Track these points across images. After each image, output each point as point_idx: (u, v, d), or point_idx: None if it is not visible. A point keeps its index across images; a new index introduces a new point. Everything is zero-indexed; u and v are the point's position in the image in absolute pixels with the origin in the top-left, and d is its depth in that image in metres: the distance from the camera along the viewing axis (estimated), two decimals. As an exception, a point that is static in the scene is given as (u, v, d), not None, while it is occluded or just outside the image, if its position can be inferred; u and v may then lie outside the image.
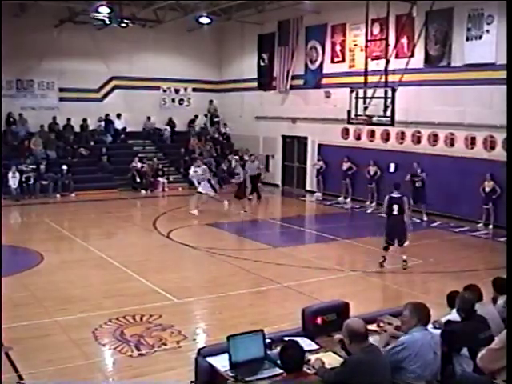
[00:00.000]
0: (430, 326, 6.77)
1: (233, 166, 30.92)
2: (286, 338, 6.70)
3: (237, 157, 31.43)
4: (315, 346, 7.03)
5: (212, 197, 23.20)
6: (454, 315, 7.19)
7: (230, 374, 6.37)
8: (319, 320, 7.45)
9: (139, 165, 29.45)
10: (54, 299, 12.38)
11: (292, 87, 29.42)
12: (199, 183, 23.07)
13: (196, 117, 34.56)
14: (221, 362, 6.58)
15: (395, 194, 15.04)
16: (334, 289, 13.39)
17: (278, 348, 6.81)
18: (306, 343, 6.82)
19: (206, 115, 34.83)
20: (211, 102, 35.00)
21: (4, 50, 27.82)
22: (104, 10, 26.38)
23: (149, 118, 33.19)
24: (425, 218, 21.62)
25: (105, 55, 31.22)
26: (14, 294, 12.71)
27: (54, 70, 30.39)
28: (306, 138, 29.01)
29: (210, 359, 6.71)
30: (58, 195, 27.03)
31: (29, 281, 13.91)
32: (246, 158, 30.88)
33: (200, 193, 22.76)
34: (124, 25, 28.60)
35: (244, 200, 23.54)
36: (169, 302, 12.19)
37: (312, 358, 6.44)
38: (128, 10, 28.29)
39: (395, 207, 14.88)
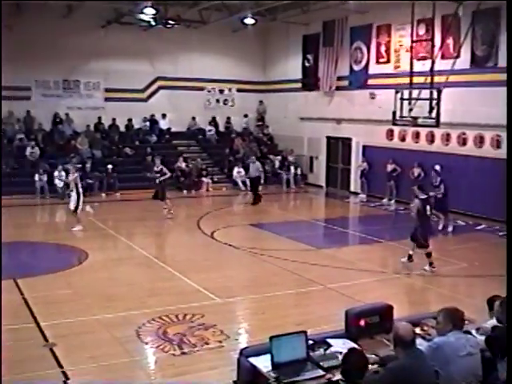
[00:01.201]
0: (473, 332, 6.69)
1: (276, 166, 30.96)
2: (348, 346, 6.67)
3: (279, 157, 31.45)
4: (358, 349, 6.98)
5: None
6: (494, 320, 7.09)
7: (272, 375, 6.35)
8: (362, 322, 7.39)
9: (183, 165, 29.59)
10: (97, 297, 12.51)
11: (337, 88, 29.27)
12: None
13: (246, 116, 34.62)
14: (263, 363, 6.56)
15: (423, 196, 15.04)
16: (377, 291, 13.28)
17: (321, 349, 6.81)
18: (348, 345, 6.77)
19: (245, 115, 34.78)
20: (261, 102, 35.04)
21: (51, 50, 28.28)
22: (149, 11, 26.62)
23: (193, 119, 33.33)
24: (449, 229, 20.85)
25: (150, 56, 31.44)
26: (59, 291, 12.88)
27: (100, 71, 30.72)
28: (350, 139, 28.83)
29: (252, 359, 6.70)
30: (103, 194, 27.32)
31: (74, 278, 14.08)
32: (290, 158, 30.92)
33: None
34: (169, 26, 28.85)
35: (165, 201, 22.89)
36: (211, 302, 12.21)
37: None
38: (173, 11, 28.48)
39: (428, 208, 14.98)
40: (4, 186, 26.33)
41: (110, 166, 28.00)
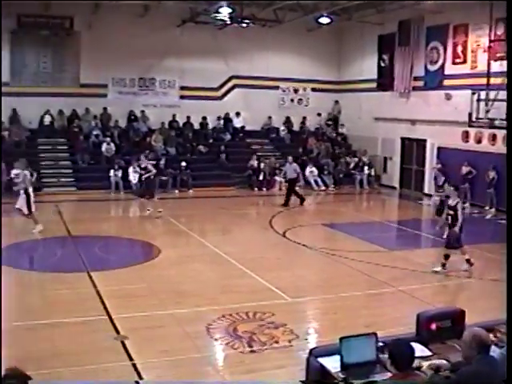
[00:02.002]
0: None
1: (351, 167, 30.76)
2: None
3: (356, 158, 31.25)
4: (428, 353, 6.84)
5: None
6: None
7: (341, 376, 6.31)
8: (434, 326, 7.27)
9: (256, 163, 29.69)
10: (169, 292, 12.65)
11: (412, 88, 28.93)
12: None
13: (319, 115, 34.56)
14: (332, 363, 6.52)
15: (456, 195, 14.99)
16: (449, 295, 13.09)
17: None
18: (418, 349, 6.67)
19: (318, 114, 34.66)
20: (336, 102, 34.87)
21: (128, 49, 28.77)
22: (225, 11, 26.84)
23: (269, 118, 33.42)
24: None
25: (225, 54, 31.63)
26: (131, 285, 13.07)
27: (176, 69, 31.09)
28: (425, 141, 28.42)
29: (322, 359, 6.66)
30: (176, 191, 27.63)
31: (146, 273, 14.26)
32: (364, 159, 30.69)
33: None
34: (244, 25, 29.00)
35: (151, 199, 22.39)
36: (282, 301, 12.20)
37: (425, 364, 6.30)
38: (248, 11, 28.60)
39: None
40: (80, 180, 27.00)
41: (183, 164, 28.30)
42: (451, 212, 14.78)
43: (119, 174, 27.19)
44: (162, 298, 12.22)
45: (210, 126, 32.56)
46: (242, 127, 32.93)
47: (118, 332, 10.15)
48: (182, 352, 9.37)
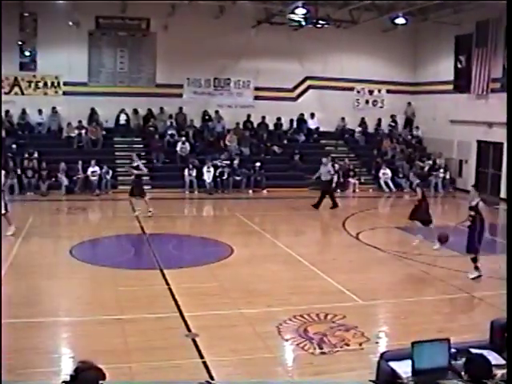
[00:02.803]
0: None
1: (426, 169, 30.33)
2: (473, 351, 6.46)
3: (430, 161, 30.81)
4: (502, 361, 6.67)
5: None
6: None
7: (412, 381, 6.24)
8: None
9: (330, 164, 29.55)
10: (241, 291, 12.71)
11: (490, 90, 28.36)
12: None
13: (393, 117, 34.19)
14: (403, 368, 6.45)
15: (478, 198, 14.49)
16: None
17: (463, 359, 6.59)
18: (492, 356, 6.52)
19: (392, 116, 34.29)
20: (409, 104, 34.46)
21: (203, 50, 29.06)
22: (300, 12, 26.85)
23: (343, 119, 33.25)
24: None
25: (300, 55, 31.58)
26: (204, 283, 13.19)
27: (250, 70, 31.23)
28: (501, 144, 27.81)
29: (393, 364, 6.61)
30: (250, 191, 27.75)
31: (219, 272, 14.35)
32: (439, 162, 30.24)
33: None
34: (319, 25, 28.90)
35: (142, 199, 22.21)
36: (353, 303, 12.12)
37: (499, 373, 6.16)
38: (323, 11, 28.51)
39: None
40: (155, 179, 27.35)
41: (257, 164, 28.41)
42: (472, 213, 14.36)
43: (193, 173, 27.49)
44: (234, 297, 12.29)
45: (285, 127, 32.59)
46: (317, 128, 32.85)
47: (189, 330, 10.25)
48: (252, 351, 9.41)
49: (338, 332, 10.32)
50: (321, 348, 9.68)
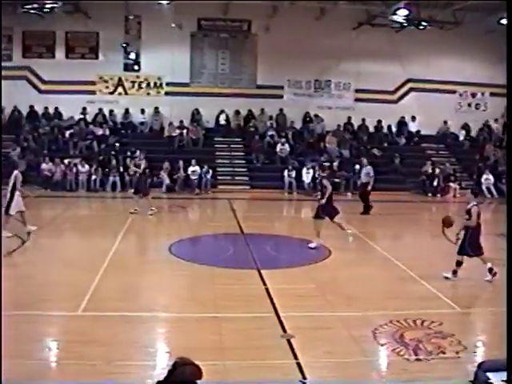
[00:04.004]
0: None
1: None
2: None
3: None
4: None
5: None
6: None
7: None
8: None
9: (431, 168, 29.13)
10: (338, 294, 12.63)
11: None
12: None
13: (496, 121, 33.37)
14: (500, 378, 6.30)
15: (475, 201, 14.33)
16: None
17: None
18: None
19: (496, 120, 33.43)
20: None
21: (304, 51, 29.09)
22: (402, 13, 26.50)
23: (445, 122, 32.66)
24: None
25: (401, 57, 31.21)
26: (300, 285, 13.18)
27: (351, 72, 31.09)
28: None
29: (491, 374, 6.44)
30: (349, 193, 27.71)
31: (316, 274, 14.33)
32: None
33: None
34: (421, 27, 28.46)
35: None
36: (451, 310, 11.87)
37: None
38: (426, 12, 28.05)
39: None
40: (254, 179, 27.57)
41: (357, 167, 28.20)
42: (467, 216, 14.21)
43: (293, 174, 27.58)
44: (330, 299, 12.24)
45: (385, 130, 32.28)
46: (417, 131, 32.40)
47: (284, 330, 10.26)
48: (346, 355, 9.34)
49: (435, 339, 10.12)
50: (416, 355, 9.51)
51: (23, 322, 10.39)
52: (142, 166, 22.46)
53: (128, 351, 9.36)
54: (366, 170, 23.97)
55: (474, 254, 14.23)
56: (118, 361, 8.86)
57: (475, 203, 14.35)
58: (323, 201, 17.04)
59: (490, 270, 14.13)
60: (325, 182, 17.44)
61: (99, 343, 9.51)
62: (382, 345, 9.89)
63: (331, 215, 17.34)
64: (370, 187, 23.71)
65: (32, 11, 27.11)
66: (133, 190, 23.03)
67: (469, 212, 14.25)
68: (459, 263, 14.20)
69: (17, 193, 17.53)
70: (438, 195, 28.41)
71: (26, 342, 9.56)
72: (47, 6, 26.50)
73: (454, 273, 14.14)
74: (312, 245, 16.93)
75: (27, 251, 16.24)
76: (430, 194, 28.45)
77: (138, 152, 23.87)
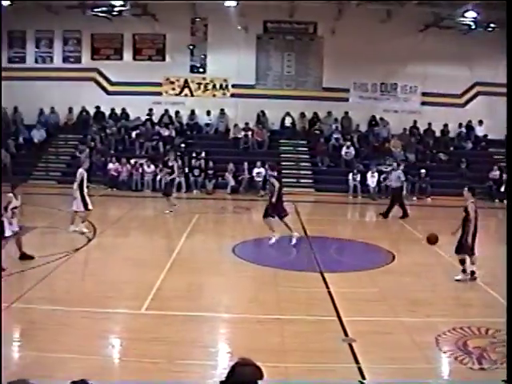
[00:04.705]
0: None
1: None
2: None
3: None
4: None
5: None
6: None
7: None
8: None
9: (498, 174, 28.64)
10: (401, 299, 12.54)
11: None
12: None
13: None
14: None
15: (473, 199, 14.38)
16: None
17: None
18: None
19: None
20: None
21: (370, 54, 28.94)
22: (470, 15, 26.18)
23: (512, 126, 32.10)
24: None
25: (469, 60, 30.74)
26: (363, 289, 13.13)
27: (418, 75, 30.78)
28: None
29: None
30: (414, 198, 27.30)
31: (379, 278, 14.25)
32: None
33: None
34: (490, 29, 28.00)
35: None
36: (519, 319, 11.68)
37: None
38: (494, 14, 27.56)
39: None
40: (319, 182, 27.55)
41: (423, 171, 27.96)
42: (464, 213, 14.27)
43: (358, 177, 27.45)
44: (393, 304, 12.14)
45: (451, 134, 31.85)
46: (485, 136, 31.86)
47: (346, 334, 10.23)
48: (408, 361, 9.25)
49: (500, 348, 9.93)
50: (480, 363, 9.37)
51: (87, 319, 10.61)
52: (175, 169, 23.15)
53: (190, 350, 9.47)
54: (397, 173, 23.54)
55: (470, 254, 14.26)
56: (179, 359, 8.97)
57: (472, 200, 14.49)
58: (274, 199, 17.19)
59: (473, 272, 14.16)
60: (272, 180, 17.73)
61: (162, 342, 9.64)
62: (445, 352, 9.77)
63: (281, 214, 17.40)
64: (404, 191, 23.57)
65: (101, 14, 27.61)
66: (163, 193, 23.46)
67: (466, 209, 14.33)
68: (463, 262, 14.26)
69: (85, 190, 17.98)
70: (505, 201, 27.88)
71: (89, 339, 9.75)
72: (116, 9, 26.95)
73: (464, 271, 14.18)
74: (271, 241, 17.23)
75: (92, 249, 16.54)
76: (497, 200, 27.94)
77: (170, 154, 24.31)
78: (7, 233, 13.98)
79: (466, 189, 15.21)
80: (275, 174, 18.42)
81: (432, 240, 15.18)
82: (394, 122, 31.23)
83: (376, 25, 29.05)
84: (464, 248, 14.21)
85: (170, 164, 23.22)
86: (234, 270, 14.75)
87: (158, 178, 27.43)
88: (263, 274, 14.30)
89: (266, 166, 19.32)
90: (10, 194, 14.06)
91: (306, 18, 30.60)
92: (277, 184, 17.29)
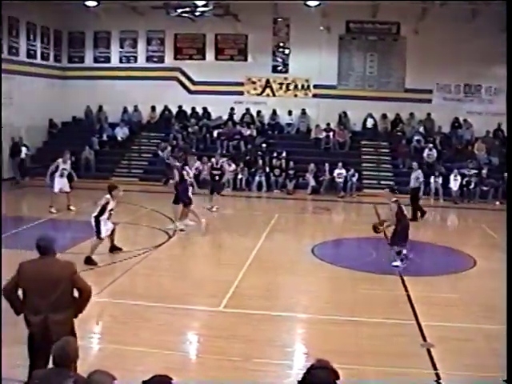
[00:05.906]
0: None
1: None
2: None
3: None
4: None
5: None
6: None
7: None
8: None
9: None
10: (481, 305, 12.29)
11: None
12: None
13: None
14: None
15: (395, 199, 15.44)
16: None
17: None
18: None
19: None
20: None
21: (453, 55, 28.48)
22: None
23: None
24: None
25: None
26: (443, 293, 12.98)
27: (503, 76, 30.01)
28: None
29: None
30: (497, 202, 26.67)
31: (459, 283, 14.09)
32: None
33: None
34: None
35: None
36: None
37: None
38: None
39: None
40: (400, 184, 27.16)
41: (505, 174, 27.33)
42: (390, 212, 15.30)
43: (439, 180, 27.03)
44: (473, 310, 11.95)
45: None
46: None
47: (424, 339, 10.13)
48: (487, 369, 9.03)
49: None
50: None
51: (167, 314, 10.81)
52: (200, 169, 24.15)
53: (267, 349, 9.55)
54: (416, 174, 22.88)
55: (400, 245, 15.08)
56: (256, 358, 9.06)
57: (394, 199, 15.24)
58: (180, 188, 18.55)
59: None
60: (175, 171, 19.16)
61: (239, 340, 9.75)
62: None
63: (185, 202, 18.58)
64: (421, 192, 22.95)
65: (184, 15, 27.97)
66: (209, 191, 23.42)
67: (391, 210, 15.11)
68: (399, 253, 15.06)
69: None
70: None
71: (168, 334, 9.93)
72: (198, 9, 27.27)
73: (402, 261, 15.01)
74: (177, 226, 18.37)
75: (173, 246, 16.81)
76: None
77: (217, 155, 25.11)
78: (103, 234, 14.42)
79: (386, 189, 16.55)
80: (178, 164, 20.48)
81: (377, 228, 15.83)
82: (478, 124, 30.57)
83: (460, 25, 28.51)
84: (395, 242, 15.19)
85: (218, 165, 23.56)
86: (312, 270, 14.78)
87: (239, 176, 27.68)
88: (341, 275, 14.30)
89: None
90: (108, 196, 14.42)
91: (389, 18, 30.31)
92: (177, 176, 18.88)
